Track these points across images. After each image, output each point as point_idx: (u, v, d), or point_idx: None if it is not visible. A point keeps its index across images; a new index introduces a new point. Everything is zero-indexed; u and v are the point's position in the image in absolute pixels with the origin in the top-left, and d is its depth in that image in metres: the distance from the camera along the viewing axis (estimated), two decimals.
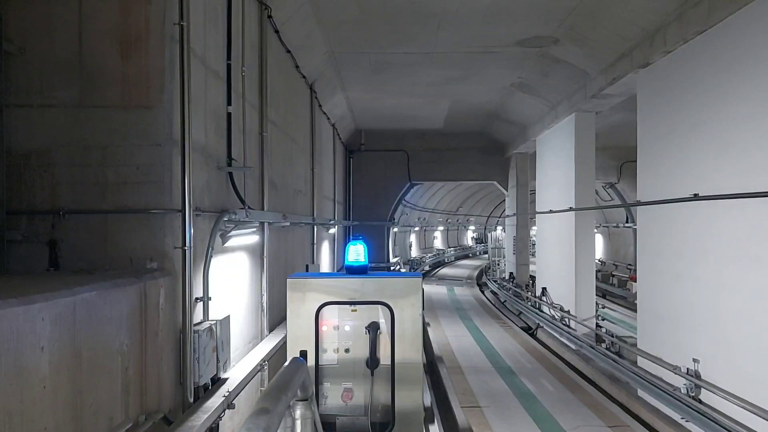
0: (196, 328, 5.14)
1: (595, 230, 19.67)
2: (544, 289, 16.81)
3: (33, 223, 4.67)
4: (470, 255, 50.34)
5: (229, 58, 6.43)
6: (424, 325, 8.82)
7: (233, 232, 6.35)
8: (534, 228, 25.73)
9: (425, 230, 40.78)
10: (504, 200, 25.76)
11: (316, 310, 5.04)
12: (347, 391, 5.06)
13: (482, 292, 26.97)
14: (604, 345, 12.12)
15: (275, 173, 8.80)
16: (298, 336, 5.03)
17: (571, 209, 14.13)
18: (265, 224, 7.91)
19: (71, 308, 3.40)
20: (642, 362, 9.81)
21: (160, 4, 4.77)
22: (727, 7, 7.07)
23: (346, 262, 5.42)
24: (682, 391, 7.96)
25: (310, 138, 12.62)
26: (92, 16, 4.73)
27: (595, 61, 11.19)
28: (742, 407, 6.67)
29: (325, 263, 14.91)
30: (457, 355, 13.30)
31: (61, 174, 4.71)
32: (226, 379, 5.75)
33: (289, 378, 3.05)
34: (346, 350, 5.08)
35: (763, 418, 6.32)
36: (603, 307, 17.25)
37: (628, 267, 25.52)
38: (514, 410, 9.38)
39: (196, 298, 5.32)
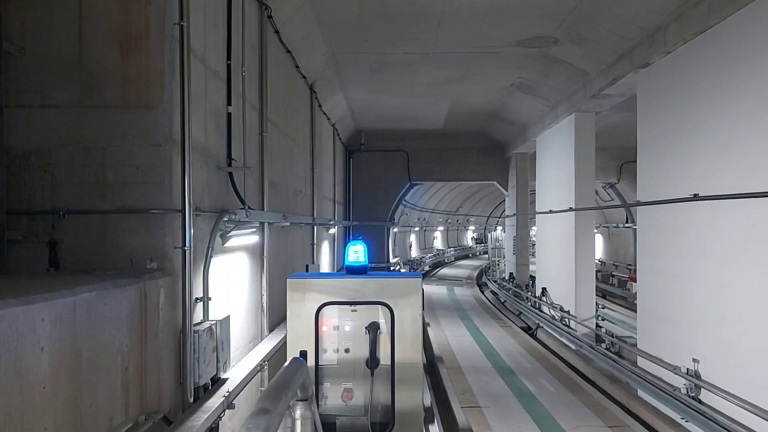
0: (196, 328, 5.14)
1: (595, 230, 19.66)
2: (544, 289, 16.81)
3: (33, 223, 4.67)
4: (470, 255, 50.32)
5: (229, 58, 6.43)
6: (424, 326, 8.83)
7: (233, 232, 6.35)
8: (534, 228, 25.71)
9: (425, 230, 40.78)
10: (504, 200, 25.77)
11: (316, 310, 5.04)
12: (347, 392, 5.05)
13: (482, 292, 26.97)
14: (604, 345, 12.12)
15: (275, 173, 8.80)
16: (298, 336, 5.02)
17: (571, 209, 14.13)
18: (265, 224, 7.91)
19: (71, 308, 3.40)
20: (642, 362, 9.80)
21: (160, 4, 4.77)
22: (727, 7, 7.07)
23: (346, 263, 5.42)
24: (682, 391, 7.96)
25: (310, 138, 12.62)
26: (92, 16, 4.73)
27: (595, 62, 11.19)
28: (742, 407, 6.67)
29: (325, 263, 14.91)
30: (457, 356, 13.29)
31: (61, 174, 4.71)
32: (226, 379, 5.75)
33: (289, 378, 3.04)
34: (346, 350, 5.07)
35: (763, 418, 6.32)
36: (603, 307, 17.24)
37: (628, 267, 25.51)
38: (514, 410, 9.38)
39: (196, 298, 5.32)
